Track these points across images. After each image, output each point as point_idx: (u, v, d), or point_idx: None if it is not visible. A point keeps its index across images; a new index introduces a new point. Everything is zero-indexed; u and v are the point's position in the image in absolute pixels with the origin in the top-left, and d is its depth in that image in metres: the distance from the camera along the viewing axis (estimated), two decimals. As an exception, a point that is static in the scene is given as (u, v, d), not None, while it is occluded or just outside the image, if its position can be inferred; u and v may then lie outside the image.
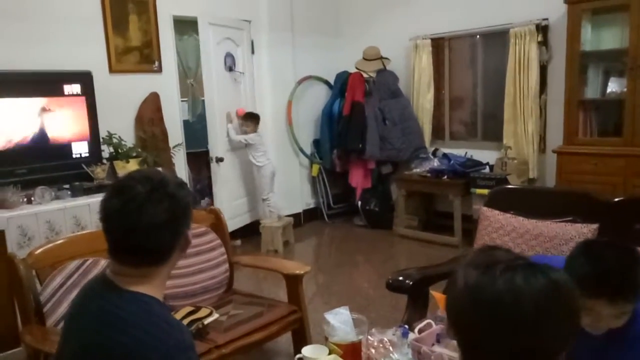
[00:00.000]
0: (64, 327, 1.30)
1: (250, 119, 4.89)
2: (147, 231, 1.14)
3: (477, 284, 0.86)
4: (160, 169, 3.51)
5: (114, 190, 1.19)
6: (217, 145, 4.80)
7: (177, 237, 1.21)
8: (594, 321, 1.35)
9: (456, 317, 0.91)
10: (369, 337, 1.59)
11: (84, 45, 3.85)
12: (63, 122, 3.61)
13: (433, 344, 1.67)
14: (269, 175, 4.94)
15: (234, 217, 4.93)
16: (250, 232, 5.10)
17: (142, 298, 1.16)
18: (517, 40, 4.51)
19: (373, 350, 1.54)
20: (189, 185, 4.68)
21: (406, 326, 1.76)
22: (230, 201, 4.92)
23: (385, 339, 1.56)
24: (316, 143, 5.78)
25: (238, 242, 4.89)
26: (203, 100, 5.80)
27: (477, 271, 0.87)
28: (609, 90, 4.08)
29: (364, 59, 5.48)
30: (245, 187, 5.21)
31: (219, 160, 4.78)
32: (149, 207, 1.14)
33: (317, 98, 5.74)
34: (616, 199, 2.33)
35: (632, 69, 3.77)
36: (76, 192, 3.44)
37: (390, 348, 1.53)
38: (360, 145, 5.25)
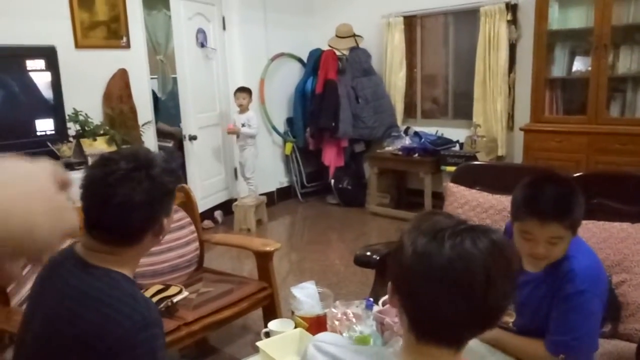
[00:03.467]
0: (29, 301, 1.29)
1: (245, 91, 4.74)
2: (119, 209, 1.13)
3: (426, 251, 0.86)
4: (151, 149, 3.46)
5: (100, 161, 1.19)
6: (190, 123, 4.73)
7: (150, 222, 1.19)
8: (532, 248, 1.47)
9: (404, 285, 0.91)
10: (333, 309, 1.63)
11: (47, 19, 3.73)
12: (26, 99, 3.51)
13: (396, 315, 1.72)
14: (258, 154, 4.91)
15: (208, 196, 4.91)
16: (224, 211, 5.10)
17: (109, 274, 1.16)
18: (487, 19, 4.54)
19: (337, 323, 1.57)
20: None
21: (371, 299, 1.80)
22: (203, 180, 4.89)
23: (349, 311, 1.60)
24: (289, 121, 5.76)
25: (207, 222, 4.81)
26: (174, 78, 5.73)
27: (425, 238, 0.87)
28: (574, 68, 4.16)
29: (336, 36, 5.45)
30: (219, 166, 5.18)
31: (192, 138, 4.71)
32: (126, 184, 1.13)
33: (290, 76, 5.70)
34: (575, 175, 2.40)
35: (596, 48, 3.85)
36: (42, 171, 3.37)
37: (354, 320, 1.56)
38: (333, 124, 5.26)
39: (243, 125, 4.73)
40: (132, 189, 1.13)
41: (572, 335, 1.45)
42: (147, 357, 1.12)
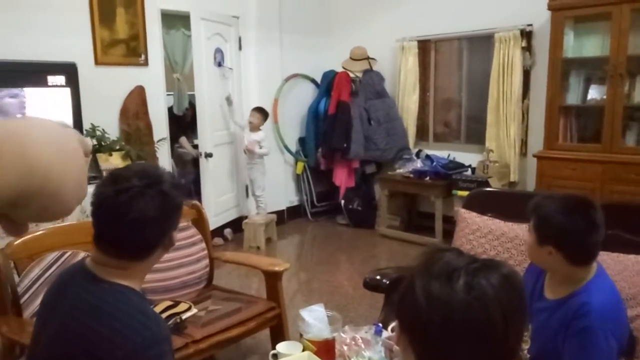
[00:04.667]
0: (39, 314, 1.31)
1: (258, 111, 4.78)
2: (133, 225, 1.15)
3: (442, 297, 0.82)
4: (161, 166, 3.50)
5: (110, 178, 1.20)
6: (205, 140, 4.78)
7: (161, 236, 1.21)
8: (550, 268, 1.57)
9: (417, 328, 0.86)
10: (342, 334, 1.62)
11: (69, 36, 3.82)
12: (45, 113, 3.58)
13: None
14: (266, 172, 4.95)
15: (220, 213, 4.93)
16: (234, 228, 5.11)
17: (119, 289, 1.18)
18: (501, 45, 4.56)
19: (346, 348, 1.56)
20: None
21: (380, 324, 1.79)
22: (216, 197, 4.92)
23: (358, 336, 1.59)
24: (301, 141, 5.80)
25: (217, 239, 4.81)
26: (190, 94, 5.81)
27: (438, 282, 0.83)
28: (589, 97, 4.15)
29: (350, 58, 5.51)
30: (231, 183, 5.21)
31: (208, 155, 4.75)
32: (140, 201, 1.14)
33: (303, 96, 5.76)
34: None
35: (612, 76, 3.85)
36: (57, 184, 3.41)
37: (362, 345, 1.55)
38: (345, 145, 5.28)
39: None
40: (146, 205, 1.15)
41: None
42: None
